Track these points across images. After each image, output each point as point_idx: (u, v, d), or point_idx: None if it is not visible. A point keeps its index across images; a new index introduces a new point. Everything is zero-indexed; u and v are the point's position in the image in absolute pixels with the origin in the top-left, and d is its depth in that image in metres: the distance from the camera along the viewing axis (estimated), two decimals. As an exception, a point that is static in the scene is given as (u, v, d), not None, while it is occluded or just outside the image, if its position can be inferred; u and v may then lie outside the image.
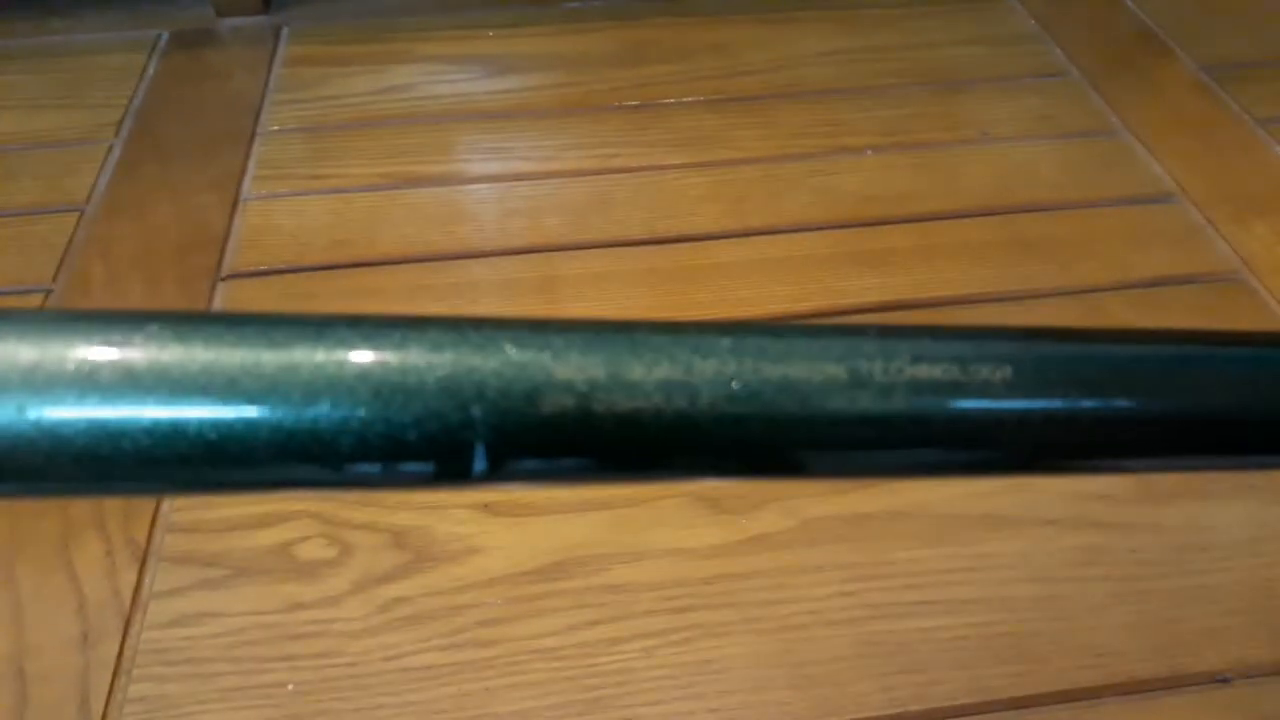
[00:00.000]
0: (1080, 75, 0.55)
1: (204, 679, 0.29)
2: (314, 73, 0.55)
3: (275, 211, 0.46)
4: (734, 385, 0.10)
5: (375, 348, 0.10)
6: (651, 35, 0.58)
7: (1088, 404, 0.11)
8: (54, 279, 0.43)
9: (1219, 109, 0.52)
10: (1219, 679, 0.29)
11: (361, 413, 0.10)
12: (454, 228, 0.45)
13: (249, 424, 0.09)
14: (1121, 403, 0.11)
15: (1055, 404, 0.11)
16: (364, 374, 0.10)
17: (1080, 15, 0.60)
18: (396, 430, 0.10)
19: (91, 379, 0.09)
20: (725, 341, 0.11)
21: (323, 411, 0.10)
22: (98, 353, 0.09)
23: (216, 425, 0.09)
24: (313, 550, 0.32)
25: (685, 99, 0.53)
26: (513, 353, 0.10)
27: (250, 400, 0.09)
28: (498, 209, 0.47)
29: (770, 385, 0.10)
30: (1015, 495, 0.34)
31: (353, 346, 0.10)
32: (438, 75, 0.55)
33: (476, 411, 0.10)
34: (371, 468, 0.10)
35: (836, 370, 0.11)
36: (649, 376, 0.10)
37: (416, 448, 0.10)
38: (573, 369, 0.10)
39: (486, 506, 0.33)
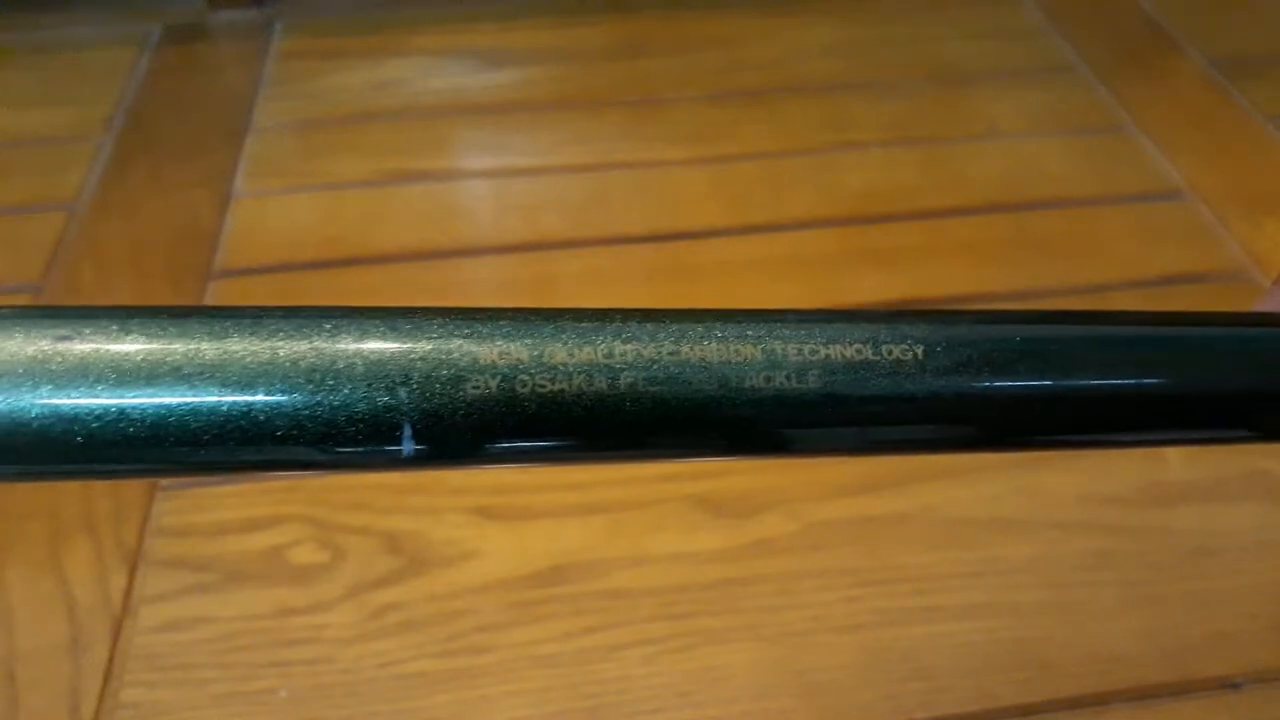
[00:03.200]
0: (1088, 70, 0.54)
1: (196, 685, 0.28)
2: (307, 67, 0.55)
3: (267, 209, 0.45)
4: (654, 367, 0.11)
5: (307, 336, 0.11)
6: (651, 28, 0.58)
7: (1000, 383, 0.12)
8: (43, 277, 0.42)
9: (1229, 105, 0.51)
10: (1229, 684, 0.28)
11: (295, 397, 0.10)
12: (449, 225, 0.45)
13: (191, 408, 0.10)
14: (1033, 381, 0.12)
15: (967, 383, 0.11)
16: (296, 360, 0.10)
17: (1088, 9, 0.59)
18: (327, 413, 0.10)
19: (46, 370, 0.10)
20: (648, 326, 0.11)
21: (258, 396, 0.10)
22: (48, 345, 0.10)
23: (160, 410, 0.10)
24: (305, 554, 0.32)
25: (686, 93, 0.52)
26: (438, 338, 0.11)
27: (191, 386, 0.10)
28: (494, 205, 0.46)
29: (689, 367, 0.11)
30: (1023, 498, 0.33)
31: (286, 335, 0.11)
32: (432, 69, 0.55)
33: (403, 395, 0.10)
34: (304, 449, 0.11)
35: (753, 351, 0.11)
36: (571, 360, 0.11)
37: (347, 430, 0.10)
38: (496, 353, 0.11)
39: (483, 510, 0.33)
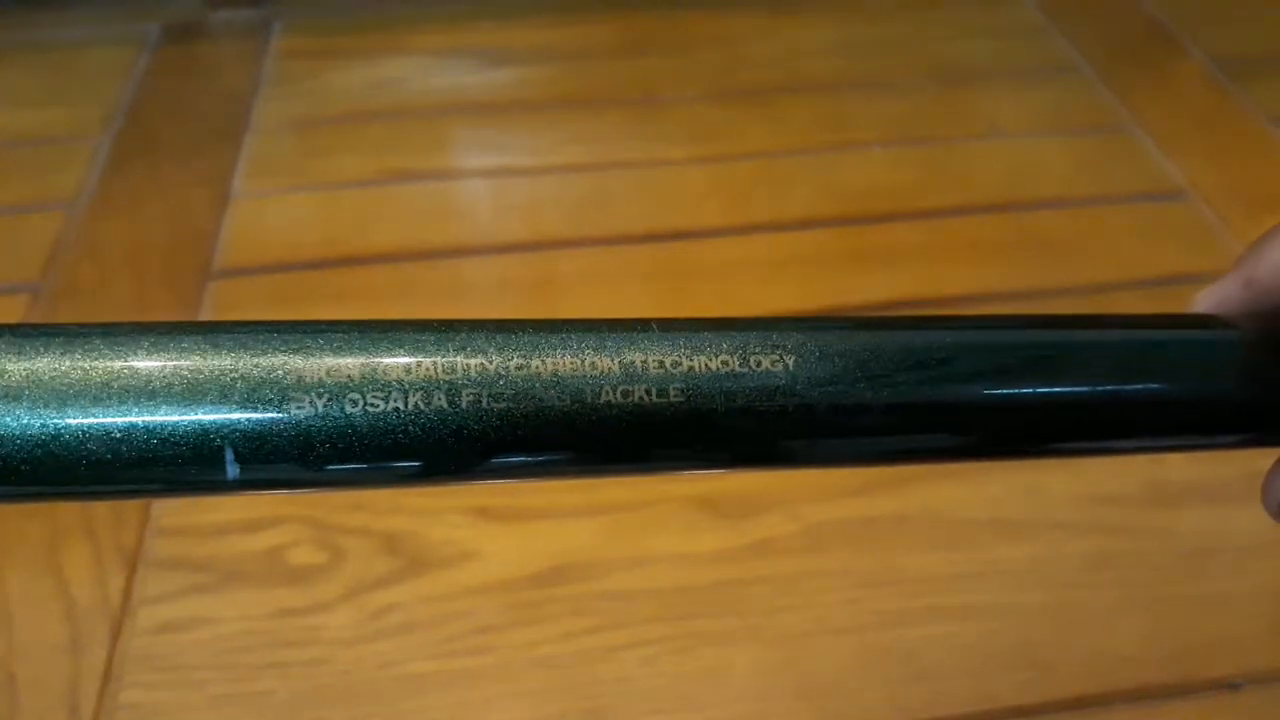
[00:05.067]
0: (1090, 69, 0.54)
1: (194, 686, 0.28)
2: (306, 66, 0.55)
3: (266, 208, 0.45)
4: (500, 382, 0.10)
5: (122, 354, 0.10)
6: (651, 26, 0.57)
7: (875, 393, 0.11)
8: (41, 276, 0.42)
9: (1231, 105, 0.51)
10: (1230, 686, 0.28)
11: (108, 420, 0.10)
12: (448, 224, 0.44)
13: (6, 431, 0.10)
14: (913, 392, 0.11)
15: (841, 393, 0.11)
16: (109, 381, 0.10)
17: (1090, 8, 0.59)
18: (142, 437, 0.10)
19: None
20: (496, 338, 0.11)
21: (70, 420, 0.10)
22: None
23: None
24: (304, 555, 0.31)
25: (686, 92, 0.52)
26: (262, 354, 0.10)
27: (4, 409, 0.10)
28: (493, 205, 0.46)
29: (540, 381, 0.10)
30: (1024, 499, 0.33)
31: (100, 354, 0.10)
32: (432, 68, 0.55)
33: (222, 417, 0.10)
34: (122, 475, 0.10)
35: (610, 364, 0.10)
36: (407, 376, 0.10)
37: (164, 454, 0.10)
38: (324, 369, 0.10)
39: (482, 511, 0.33)
